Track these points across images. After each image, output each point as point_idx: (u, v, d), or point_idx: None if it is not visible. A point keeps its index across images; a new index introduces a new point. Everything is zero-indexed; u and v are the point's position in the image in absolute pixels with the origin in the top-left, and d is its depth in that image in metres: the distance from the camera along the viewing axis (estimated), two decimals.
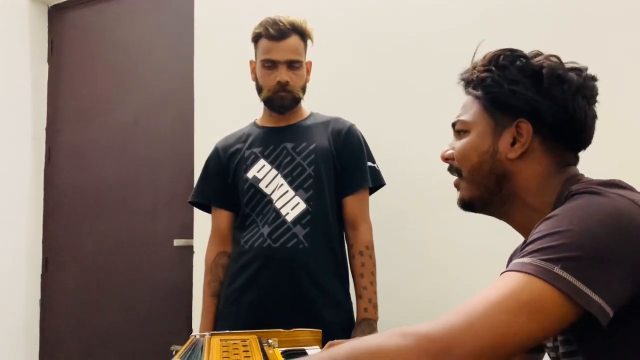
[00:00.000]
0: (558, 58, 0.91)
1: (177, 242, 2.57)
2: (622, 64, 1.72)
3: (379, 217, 1.79)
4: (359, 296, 1.66)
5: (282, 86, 1.68)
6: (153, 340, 2.63)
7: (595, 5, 1.81)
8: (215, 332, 1.29)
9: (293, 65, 1.69)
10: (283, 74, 1.67)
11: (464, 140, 0.95)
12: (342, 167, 1.72)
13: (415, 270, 1.95)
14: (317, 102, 1.84)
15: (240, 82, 2.36)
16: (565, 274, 0.70)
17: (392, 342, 0.70)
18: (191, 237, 2.53)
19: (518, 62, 0.91)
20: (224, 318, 1.68)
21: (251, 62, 1.78)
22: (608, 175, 0.87)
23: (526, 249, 0.76)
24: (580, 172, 0.93)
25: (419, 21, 2.06)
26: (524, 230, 0.94)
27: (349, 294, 1.72)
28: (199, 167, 2.36)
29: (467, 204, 0.98)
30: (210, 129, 2.42)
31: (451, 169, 0.99)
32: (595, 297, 0.69)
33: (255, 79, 1.76)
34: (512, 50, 0.94)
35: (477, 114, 0.94)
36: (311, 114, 1.80)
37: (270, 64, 1.69)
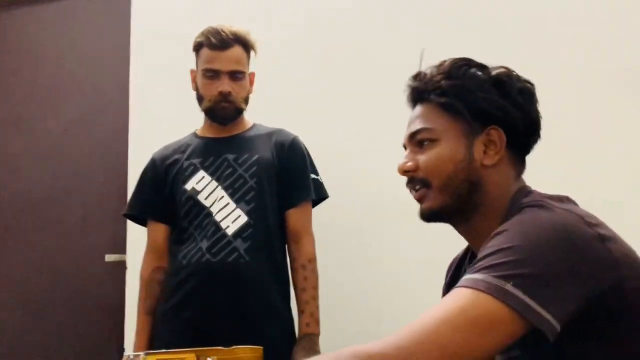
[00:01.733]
0: (508, 68, 0.93)
1: (108, 258, 2.45)
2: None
3: (321, 231, 1.77)
4: (301, 311, 1.64)
5: (224, 96, 1.65)
6: None
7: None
8: (151, 351, 1.23)
9: (236, 75, 1.66)
10: (225, 85, 1.64)
11: (435, 150, 0.91)
12: (285, 179, 1.69)
13: (358, 285, 1.94)
14: (260, 114, 1.81)
15: (178, 92, 2.31)
16: (516, 291, 0.70)
17: None
18: (124, 252, 2.42)
19: (477, 71, 0.92)
20: (160, 337, 1.60)
21: (192, 71, 1.74)
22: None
23: (478, 264, 0.76)
24: None
25: (366, 34, 2.07)
26: (478, 236, 0.92)
27: (290, 309, 1.69)
28: (133, 180, 2.27)
29: (434, 214, 0.93)
30: (145, 140, 2.33)
31: (412, 182, 0.95)
32: (544, 314, 0.70)
33: (196, 89, 1.72)
34: (466, 59, 0.94)
35: (446, 121, 0.91)
36: (254, 125, 1.77)
37: (212, 74, 1.65)
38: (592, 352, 0.76)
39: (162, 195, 1.72)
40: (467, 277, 0.75)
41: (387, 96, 1.96)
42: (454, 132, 0.91)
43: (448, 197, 0.91)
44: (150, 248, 1.74)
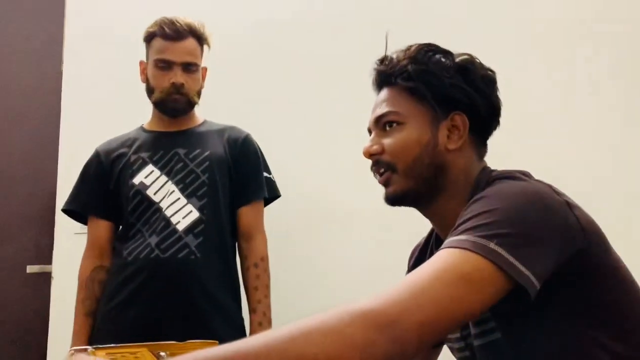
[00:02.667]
0: (472, 55, 0.96)
1: (30, 269, 2.27)
2: None
3: (271, 230, 1.73)
4: (252, 310, 1.59)
5: (177, 88, 1.60)
6: None
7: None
8: (100, 345, 1.14)
9: (189, 67, 1.62)
10: (178, 76, 1.59)
11: (402, 133, 0.92)
12: (237, 176, 1.66)
13: (307, 285, 1.92)
14: (210, 111, 1.77)
15: (112, 95, 2.23)
16: (499, 249, 0.72)
17: (337, 318, 0.66)
18: (49, 262, 2.24)
19: (443, 57, 0.94)
20: (102, 338, 1.48)
21: (141, 62, 1.68)
22: None
23: (460, 227, 0.78)
24: None
25: (317, 37, 2.09)
26: (443, 218, 0.94)
27: (241, 308, 1.63)
28: (63, 186, 2.14)
29: (399, 198, 0.94)
30: (78, 145, 2.21)
31: (378, 165, 0.95)
32: (525, 271, 0.72)
33: (146, 80, 1.66)
34: (432, 45, 0.96)
35: (412, 105, 0.93)
36: (205, 121, 1.73)
37: (164, 65, 1.60)
38: (558, 316, 0.80)
39: (106, 190, 1.63)
40: (451, 239, 0.76)
41: (335, 99, 2.02)
42: (419, 116, 0.92)
43: (413, 181, 0.92)
44: (91, 246, 1.63)
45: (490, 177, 0.89)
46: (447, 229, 0.85)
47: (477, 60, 0.96)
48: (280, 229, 1.87)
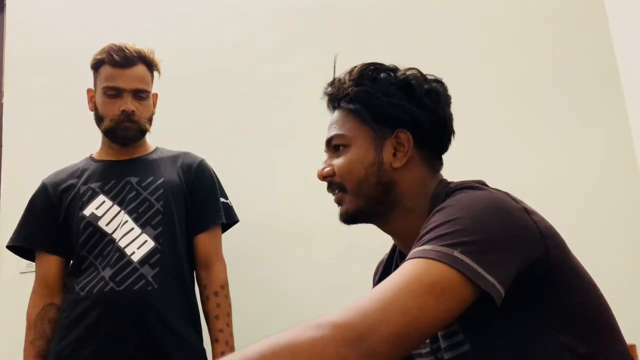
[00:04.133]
0: (417, 70, 0.99)
1: None
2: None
3: (228, 257, 1.70)
4: (214, 340, 1.54)
5: (127, 116, 1.56)
6: None
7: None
8: None
9: (139, 94, 1.58)
10: (129, 103, 1.56)
11: (347, 155, 0.95)
12: (193, 202, 1.62)
13: (270, 309, 1.88)
14: (161, 137, 1.73)
15: (59, 124, 2.16)
16: (464, 257, 0.73)
17: (308, 334, 0.66)
18: None
19: (386, 75, 0.96)
20: None
21: (89, 90, 1.64)
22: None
23: (423, 238, 0.79)
24: None
25: (272, 58, 2.09)
26: (403, 234, 0.96)
27: (202, 338, 1.58)
28: (5, 223, 2.04)
29: (351, 217, 0.97)
30: (21, 178, 2.12)
31: (331, 186, 0.98)
32: (490, 278, 0.73)
33: (95, 109, 1.61)
34: (376, 64, 0.98)
35: (356, 127, 0.95)
36: (157, 148, 1.70)
37: (113, 92, 1.56)
38: (524, 322, 0.81)
39: (54, 224, 1.56)
40: (415, 250, 0.77)
41: (276, 122, 2.01)
42: (362, 137, 0.95)
43: (362, 200, 0.95)
44: (40, 283, 1.55)
45: (449, 189, 0.90)
46: (408, 243, 0.86)
47: (421, 75, 0.97)
48: (239, 254, 1.84)
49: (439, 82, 0.99)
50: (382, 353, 0.66)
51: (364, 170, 0.94)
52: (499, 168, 1.81)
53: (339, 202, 0.98)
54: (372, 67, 0.97)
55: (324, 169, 0.98)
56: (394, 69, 0.98)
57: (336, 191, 0.98)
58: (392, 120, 0.94)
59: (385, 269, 1.06)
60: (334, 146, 0.98)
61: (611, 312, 0.85)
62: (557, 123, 1.86)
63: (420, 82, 0.95)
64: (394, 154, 0.94)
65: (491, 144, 1.88)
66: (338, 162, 0.96)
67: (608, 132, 1.82)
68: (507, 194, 0.86)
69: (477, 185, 0.89)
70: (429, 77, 0.98)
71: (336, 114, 0.99)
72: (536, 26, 1.94)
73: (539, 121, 1.87)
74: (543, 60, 1.91)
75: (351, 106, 0.96)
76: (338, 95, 0.98)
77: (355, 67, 0.98)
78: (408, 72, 0.97)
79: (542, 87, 1.90)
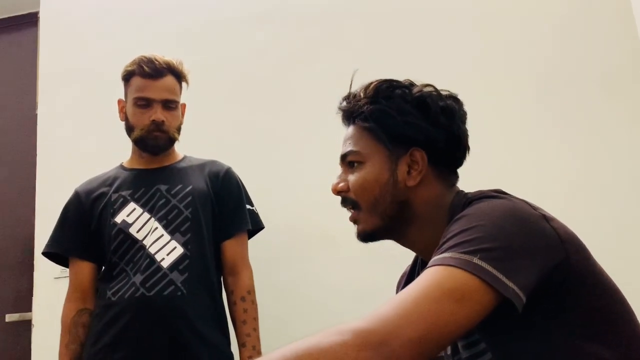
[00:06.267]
0: (433, 87, 0.98)
1: (9, 318, 2.21)
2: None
3: (254, 262, 1.72)
4: (242, 344, 1.56)
5: (157, 125, 1.60)
6: None
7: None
8: None
9: (169, 105, 1.62)
10: (158, 113, 1.60)
11: (361, 173, 0.95)
12: (220, 210, 1.65)
13: (296, 313, 1.90)
14: (189, 146, 1.77)
15: (91, 134, 2.22)
16: (483, 264, 0.74)
17: (330, 340, 0.67)
18: (29, 309, 2.18)
19: (401, 92, 0.96)
20: None
21: (120, 101, 1.68)
22: None
23: (443, 246, 0.79)
24: None
25: (293, 67, 2.13)
26: (422, 246, 0.96)
27: (230, 343, 1.61)
28: (41, 230, 2.10)
29: (369, 235, 0.97)
30: (55, 187, 2.19)
31: (345, 201, 0.98)
32: (510, 284, 0.74)
33: (125, 119, 1.66)
34: (391, 81, 0.98)
35: (370, 145, 0.95)
36: (185, 157, 1.74)
37: (144, 103, 1.61)
38: (546, 329, 0.80)
39: (87, 231, 1.61)
40: (435, 258, 0.78)
41: (313, 130, 2.04)
42: (377, 155, 0.95)
43: (378, 219, 0.95)
44: (74, 289, 1.60)
45: (466, 199, 0.90)
46: (429, 254, 0.86)
47: (436, 92, 0.96)
48: (265, 259, 1.86)
49: (454, 98, 0.98)
50: (403, 358, 0.67)
51: (378, 189, 0.94)
52: (521, 174, 1.81)
53: (354, 221, 0.98)
54: (387, 83, 0.97)
55: (338, 183, 0.98)
56: (410, 86, 0.97)
57: (350, 207, 0.98)
58: (406, 139, 0.94)
59: (408, 279, 1.06)
60: (348, 162, 0.98)
61: (635, 316, 0.84)
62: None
63: (435, 99, 0.95)
64: (409, 172, 0.93)
65: (519, 150, 1.88)
66: (353, 178, 0.96)
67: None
68: (525, 201, 0.86)
69: (494, 194, 0.89)
70: (444, 93, 0.97)
71: (351, 129, 0.99)
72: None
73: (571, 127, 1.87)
74: (578, 64, 1.91)
75: (366, 124, 0.96)
76: (353, 112, 0.98)
77: (370, 83, 0.98)
78: (424, 90, 0.96)
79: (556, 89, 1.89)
